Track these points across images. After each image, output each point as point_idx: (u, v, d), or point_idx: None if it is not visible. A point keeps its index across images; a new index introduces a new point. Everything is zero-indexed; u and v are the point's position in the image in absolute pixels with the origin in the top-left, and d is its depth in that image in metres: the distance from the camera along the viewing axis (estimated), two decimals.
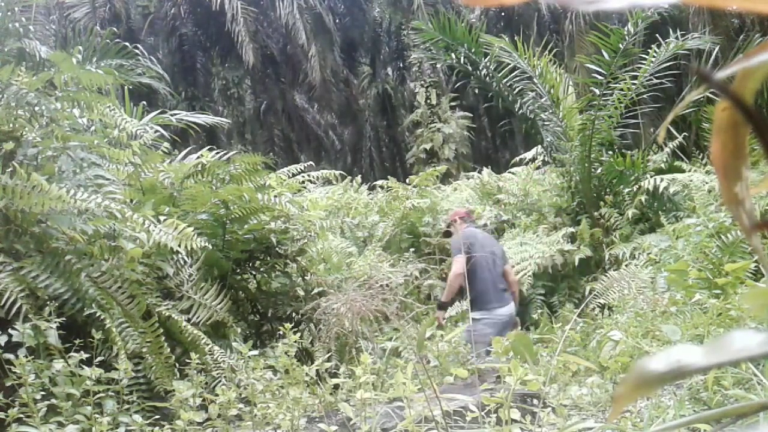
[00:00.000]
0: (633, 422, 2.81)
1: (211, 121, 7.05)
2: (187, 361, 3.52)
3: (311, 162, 9.66)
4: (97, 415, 3.01)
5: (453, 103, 16.42)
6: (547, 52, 7.96)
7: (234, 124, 17.88)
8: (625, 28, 7.05)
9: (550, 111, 7.84)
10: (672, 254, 5.51)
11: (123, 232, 3.90)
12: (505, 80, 8.02)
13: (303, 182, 7.58)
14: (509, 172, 9.55)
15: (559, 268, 7.03)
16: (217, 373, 3.83)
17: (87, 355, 3.18)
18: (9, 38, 4.48)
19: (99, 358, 3.23)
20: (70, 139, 4.09)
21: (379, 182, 10.75)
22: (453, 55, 8.20)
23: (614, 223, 7.16)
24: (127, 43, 6.05)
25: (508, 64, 7.86)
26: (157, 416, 3.31)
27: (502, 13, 16.84)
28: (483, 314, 4.94)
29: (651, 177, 7.14)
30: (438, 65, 15.15)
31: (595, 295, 5.86)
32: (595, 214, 7.41)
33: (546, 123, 7.99)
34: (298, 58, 17.36)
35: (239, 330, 4.64)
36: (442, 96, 16.29)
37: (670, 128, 8.60)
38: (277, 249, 5.31)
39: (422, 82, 16.53)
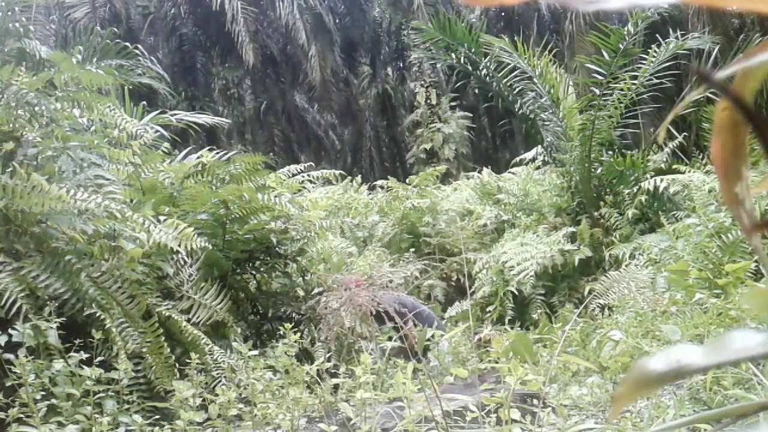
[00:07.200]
0: (633, 422, 2.81)
1: (211, 121, 7.05)
2: (187, 361, 3.52)
3: (311, 162, 9.66)
4: (97, 415, 3.01)
5: (453, 103, 16.42)
6: (547, 52, 7.96)
7: (234, 124, 17.88)
8: (625, 28, 7.04)
9: (550, 111, 7.84)
10: (672, 254, 5.50)
11: (123, 232, 3.89)
12: (505, 80, 8.02)
13: (303, 182, 7.57)
14: (509, 172, 9.54)
15: (559, 268, 7.02)
16: (217, 373, 3.83)
17: (87, 355, 3.18)
18: (9, 38, 4.48)
19: (99, 358, 3.23)
20: (70, 139, 4.08)
21: (379, 182, 10.75)
22: (453, 55, 8.20)
23: (614, 223, 7.16)
24: (127, 43, 6.05)
25: (508, 64, 7.85)
26: (157, 416, 3.31)
27: (502, 13, 16.83)
28: None
29: (651, 177, 7.13)
30: (438, 65, 15.13)
31: (595, 295, 5.85)
32: (595, 214, 7.41)
33: (546, 123, 7.99)
34: (298, 58, 17.36)
35: (239, 330, 4.63)
36: (442, 96, 16.29)
37: (670, 128, 8.59)
38: (277, 249, 5.30)
39: (422, 82, 16.53)
